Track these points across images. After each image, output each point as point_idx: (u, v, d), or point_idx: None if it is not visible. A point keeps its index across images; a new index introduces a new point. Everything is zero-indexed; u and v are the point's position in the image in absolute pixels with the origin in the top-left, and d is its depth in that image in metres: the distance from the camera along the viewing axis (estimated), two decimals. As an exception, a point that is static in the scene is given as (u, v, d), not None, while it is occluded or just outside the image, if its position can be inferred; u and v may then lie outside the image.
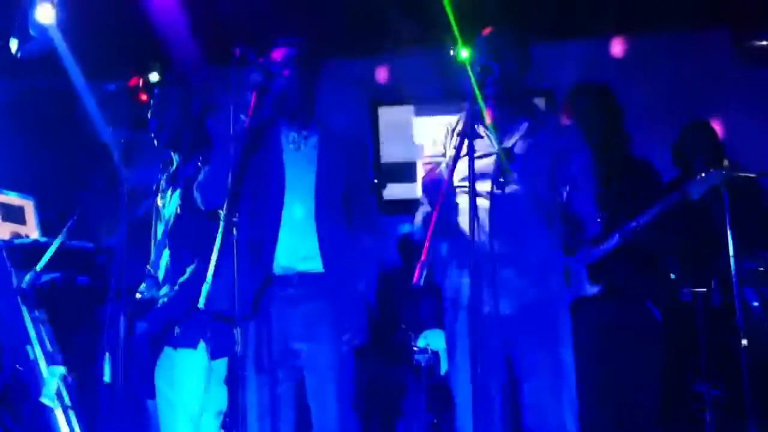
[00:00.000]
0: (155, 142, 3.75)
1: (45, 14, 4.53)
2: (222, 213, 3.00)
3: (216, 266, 2.90)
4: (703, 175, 3.69)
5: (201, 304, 2.83)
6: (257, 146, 3.35)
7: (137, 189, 3.97)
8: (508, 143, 3.16)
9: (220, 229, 2.96)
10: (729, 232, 3.76)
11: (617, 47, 5.93)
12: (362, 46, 5.97)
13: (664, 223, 3.74)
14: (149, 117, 3.74)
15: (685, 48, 5.84)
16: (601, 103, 3.94)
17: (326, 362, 3.28)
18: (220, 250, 2.92)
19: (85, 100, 4.75)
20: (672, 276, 4.41)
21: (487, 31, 3.29)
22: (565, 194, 3.21)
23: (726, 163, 4.02)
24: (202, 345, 3.53)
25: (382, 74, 6.32)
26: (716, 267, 4.25)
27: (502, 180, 3.09)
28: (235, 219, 2.99)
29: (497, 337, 3.09)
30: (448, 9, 3.28)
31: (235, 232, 2.98)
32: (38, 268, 3.40)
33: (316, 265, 3.30)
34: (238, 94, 3.22)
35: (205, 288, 2.83)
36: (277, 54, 3.38)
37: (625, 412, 3.84)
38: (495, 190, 3.11)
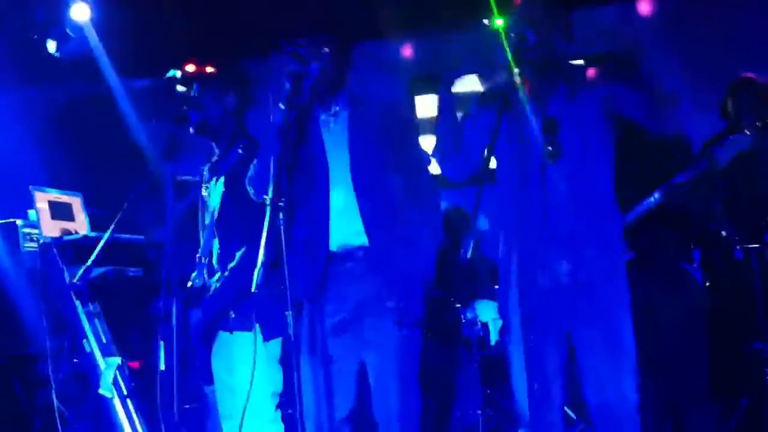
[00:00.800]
0: (195, 134, 3.78)
1: (80, 12, 4.58)
2: (268, 199, 3.00)
3: (266, 251, 2.91)
4: (730, 139, 3.59)
5: (254, 288, 2.85)
6: (301, 134, 3.36)
7: (181, 180, 4.02)
8: (550, 112, 3.11)
9: (267, 215, 2.97)
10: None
11: (650, 8, 5.81)
12: (395, 26, 5.93)
13: (703, 183, 3.68)
14: (188, 110, 3.77)
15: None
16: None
17: (387, 337, 3.27)
18: (269, 235, 2.92)
19: (119, 99, 4.79)
20: (723, 233, 4.34)
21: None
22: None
23: None
24: (257, 327, 3.54)
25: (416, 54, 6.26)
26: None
27: (549, 151, 3.03)
28: (281, 203, 2.99)
29: (553, 309, 3.06)
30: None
31: (281, 216, 3.00)
32: (89, 263, 3.45)
33: (365, 240, 3.31)
34: (275, 84, 3.23)
35: (257, 273, 2.85)
36: (310, 41, 3.36)
37: (673, 381, 3.81)
38: (542, 163, 3.07)
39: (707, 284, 4.26)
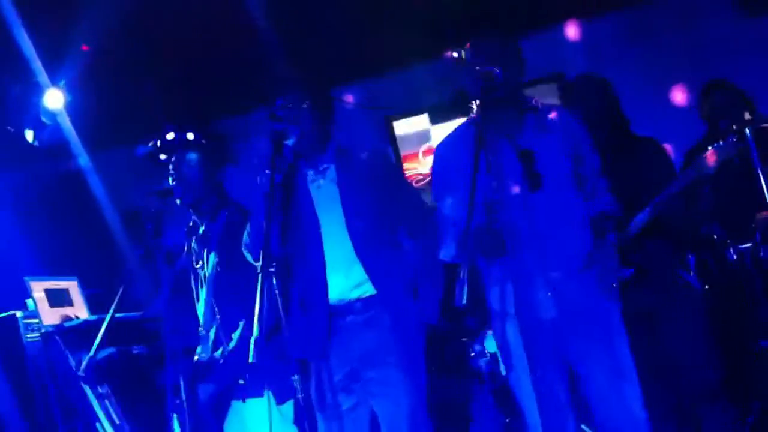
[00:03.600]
0: (180, 204, 3.83)
1: (54, 100, 4.64)
2: (258, 265, 3.05)
3: (262, 319, 2.95)
4: (716, 147, 3.66)
5: (251, 359, 2.89)
6: (288, 195, 3.42)
7: (172, 251, 4.07)
8: (524, 144, 3.18)
9: (259, 281, 3.01)
10: (764, 184, 3.73)
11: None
12: (366, 66, 6.02)
13: (691, 191, 3.74)
14: (171, 182, 3.82)
15: (687, 10, 5.82)
16: (596, 93, 3.96)
17: (396, 387, 3.32)
18: (262, 303, 2.96)
19: (91, 181, 4.86)
20: (714, 237, 4.40)
21: (479, 37, 3.30)
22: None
23: (747, 116, 4.01)
24: (268, 392, 3.64)
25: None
26: (759, 221, 4.23)
27: (530, 183, 3.09)
28: (271, 270, 3.03)
29: (551, 340, 3.12)
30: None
31: (274, 281, 3.04)
32: (93, 350, 3.51)
33: (367, 289, 3.37)
34: (257, 144, 3.28)
35: (252, 344, 2.89)
36: (288, 97, 3.44)
37: (685, 388, 3.85)
38: (523, 195, 3.12)
39: (705, 288, 4.29)
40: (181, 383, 3.63)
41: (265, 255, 3.04)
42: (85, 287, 5.01)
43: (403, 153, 6.39)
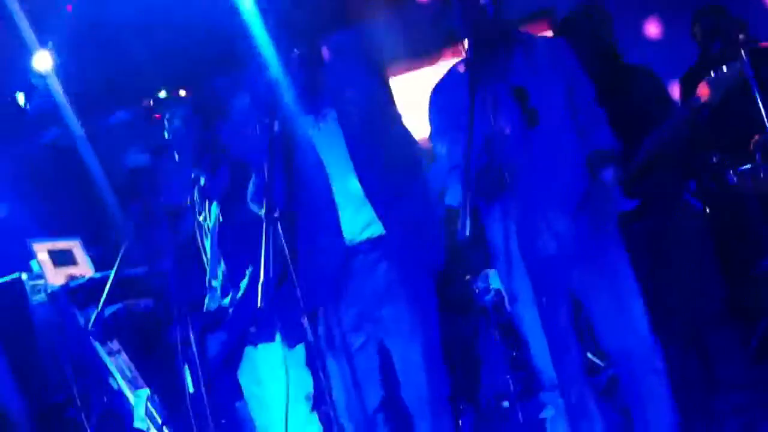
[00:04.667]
0: (178, 162, 3.84)
1: (43, 61, 4.60)
2: (263, 212, 3.06)
3: (269, 265, 2.96)
4: (717, 76, 3.64)
5: (259, 305, 2.91)
6: (289, 142, 3.41)
7: (174, 207, 4.08)
8: (517, 81, 3.16)
9: (264, 228, 3.03)
10: (761, 106, 3.73)
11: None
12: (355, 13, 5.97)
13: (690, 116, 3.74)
14: (167, 139, 3.82)
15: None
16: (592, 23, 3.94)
17: (408, 324, 3.35)
18: (269, 249, 2.98)
19: (84, 146, 4.84)
20: (714, 160, 4.41)
21: None
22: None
23: (742, 37, 3.99)
24: (278, 336, 3.68)
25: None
26: (757, 142, 4.24)
27: (526, 119, 3.09)
28: (275, 215, 3.05)
29: (554, 273, 3.15)
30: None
31: (280, 227, 3.05)
32: (99, 306, 3.54)
33: (376, 229, 3.37)
34: (251, 96, 3.27)
35: (260, 289, 2.91)
36: (278, 47, 3.41)
37: (691, 311, 3.90)
38: (520, 132, 3.12)
39: (707, 211, 4.32)
40: (191, 335, 3.65)
41: (268, 203, 3.06)
42: (87, 247, 5.02)
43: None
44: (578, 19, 4.03)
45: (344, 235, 3.36)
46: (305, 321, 3.08)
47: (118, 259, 3.58)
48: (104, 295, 3.54)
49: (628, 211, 3.80)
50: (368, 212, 3.36)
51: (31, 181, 5.26)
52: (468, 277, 5.20)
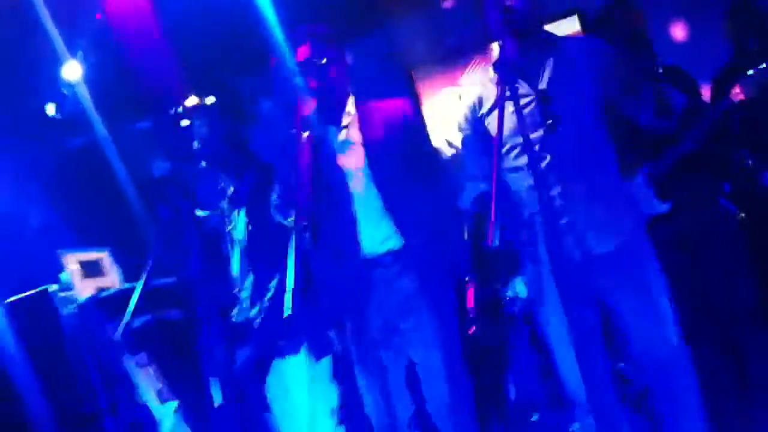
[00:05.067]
0: (205, 170, 3.82)
1: (72, 71, 4.62)
2: (291, 221, 3.03)
3: (296, 274, 2.94)
4: (753, 75, 3.56)
5: (286, 314, 2.88)
6: (315, 151, 3.35)
7: (203, 216, 4.08)
8: (542, 86, 3.12)
9: (292, 238, 3.00)
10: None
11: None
12: (381, 14, 5.92)
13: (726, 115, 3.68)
14: (194, 146, 3.80)
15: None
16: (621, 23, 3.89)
17: (430, 334, 3.33)
18: (296, 258, 2.95)
19: (111, 151, 4.85)
20: (749, 162, 4.32)
21: None
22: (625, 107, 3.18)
23: None
24: (304, 350, 3.66)
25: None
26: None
27: (548, 125, 3.01)
28: (305, 224, 3.02)
29: (581, 278, 3.09)
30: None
31: (308, 236, 3.03)
32: (126, 317, 3.53)
33: (395, 242, 3.36)
34: (276, 101, 3.25)
35: (288, 297, 2.88)
36: (306, 51, 3.40)
37: (724, 313, 3.82)
38: (543, 137, 3.08)
39: (741, 214, 4.24)
40: (217, 347, 3.63)
41: (297, 211, 3.04)
42: (116, 258, 5.02)
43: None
44: (612, 17, 3.97)
45: (364, 248, 3.34)
46: (332, 333, 3.06)
47: (146, 270, 3.56)
48: (131, 306, 3.51)
49: (661, 214, 3.78)
50: (388, 225, 3.35)
51: (59, 190, 5.27)
52: (498, 285, 5.15)
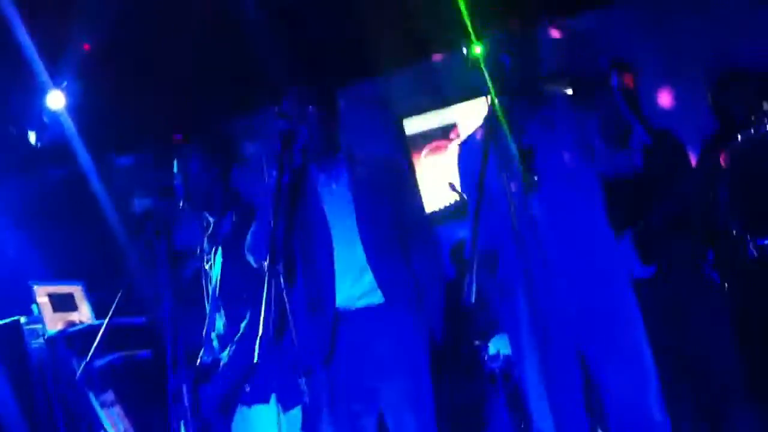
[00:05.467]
0: (186, 207, 3.77)
1: (55, 101, 4.59)
2: (265, 265, 2.98)
3: (267, 319, 2.88)
4: (740, 141, 3.56)
5: (255, 360, 2.81)
6: (296, 196, 3.36)
7: (181, 253, 4.01)
8: (528, 140, 3.08)
9: (266, 282, 2.95)
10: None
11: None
12: (374, 63, 5.92)
13: (712, 180, 3.65)
14: (176, 182, 3.76)
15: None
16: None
17: (404, 394, 3.29)
18: (267, 304, 2.89)
19: (94, 181, 4.80)
20: (734, 232, 4.28)
21: (494, 27, 3.20)
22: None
23: (766, 106, 3.91)
24: (273, 398, 3.56)
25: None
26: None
27: (526, 182, 3.01)
28: (278, 269, 2.97)
29: (565, 335, 3.03)
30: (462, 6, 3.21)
31: (282, 281, 2.99)
32: (90, 354, 3.44)
33: (374, 298, 3.32)
34: (266, 145, 3.22)
35: (257, 345, 2.82)
36: (294, 97, 3.38)
37: (708, 388, 3.76)
38: (521, 193, 3.04)
39: (725, 285, 4.19)
40: (184, 389, 3.54)
41: (271, 254, 2.98)
42: (91, 292, 4.93)
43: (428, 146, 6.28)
44: (604, 78, 3.95)
45: (342, 300, 3.30)
46: (303, 383, 2.99)
47: (113, 308, 3.48)
48: (95, 344, 3.42)
49: (644, 279, 3.72)
50: (369, 279, 3.31)
51: (37, 220, 5.20)
52: (477, 342, 5.10)
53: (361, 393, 3.29)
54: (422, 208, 3.56)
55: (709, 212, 3.94)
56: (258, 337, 2.87)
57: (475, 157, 3.14)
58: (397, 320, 3.30)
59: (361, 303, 3.31)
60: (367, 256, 3.30)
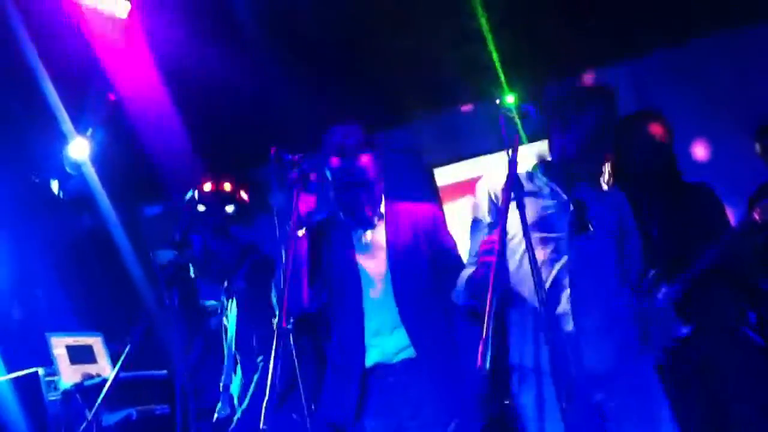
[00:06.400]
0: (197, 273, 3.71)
1: (79, 150, 4.56)
2: (275, 323, 2.88)
3: (274, 381, 2.74)
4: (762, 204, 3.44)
5: (261, 426, 2.67)
6: (318, 247, 3.28)
7: (207, 307, 4.06)
8: (576, 195, 3.00)
9: (274, 340, 2.84)
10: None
11: (667, 60, 5.60)
12: (407, 111, 5.85)
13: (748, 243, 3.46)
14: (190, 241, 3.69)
15: (741, 46, 5.49)
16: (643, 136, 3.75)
17: None
18: (275, 363, 2.76)
19: (118, 232, 4.74)
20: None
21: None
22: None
23: None
24: None
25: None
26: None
27: (580, 232, 2.91)
28: (288, 327, 2.84)
29: (586, 400, 2.89)
30: (494, 56, 3.12)
31: (291, 340, 2.85)
32: (96, 406, 3.33)
33: (409, 353, 3.22)
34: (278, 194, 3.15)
35: (263, 411, 2.68)
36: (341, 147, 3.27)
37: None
38: (572, 243, 2.93)
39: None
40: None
41: (281, 312, 2.87)
42: (113, 344, 4.84)
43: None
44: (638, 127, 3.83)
45: (377, 356, 3.20)
46: None
47: (121, 360, 3.38)
48: (100, 397, 3.31)
49: (682, 338, 3.54)
50: (402, 336, 3.20)
51: (62, 270, 5.15)
52: (507, 401, 4.91)
53: None
54: (459, 257, 3.41)
55: (750, 270, 3.74)
56: (264, 402, 2.74)
57: (492, 201, 3.07)
58: (432, 371, 3.17)
59: (398, 358, 3.20)
60: (400, 312, 3.20)
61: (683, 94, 5.19)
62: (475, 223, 3.15)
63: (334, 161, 3.25)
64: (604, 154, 3.09)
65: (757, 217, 3.46)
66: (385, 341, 3.22)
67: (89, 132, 4.50)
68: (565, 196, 3.00)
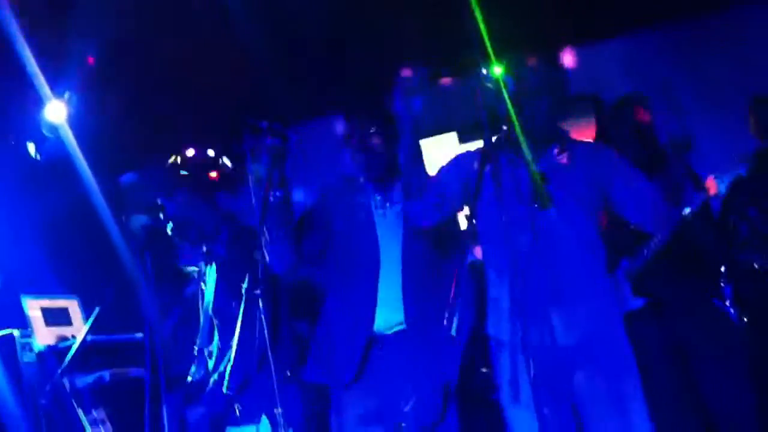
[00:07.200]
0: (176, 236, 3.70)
1: (56, 112, 4.50)
2: (243, 287, 2.87)
3: (240, 342, 2.76)
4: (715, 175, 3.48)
5: (225, 390, 2.68)
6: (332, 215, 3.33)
7: (185, 272, 4.03)
8: (541, 169, 2.96)
9: (242, 305, 2.84)
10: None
11: (662, 38, 5.57)
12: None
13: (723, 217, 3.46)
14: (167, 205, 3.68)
15: (739, 26, 5.45)
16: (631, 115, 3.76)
17: (427, 415, 3.22)
18: (243, 329, 2.77)
19: (96, 197, 4.70)
20: (755, 266, 4.06)
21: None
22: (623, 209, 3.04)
23: None
24: (264, 419, 3.49)
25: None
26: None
27: (538, 205, 2.88)
28: (257, 292, 2.89)
29: (557, 372, 2.87)
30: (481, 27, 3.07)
31: (261, 305, 2.91)
32: (63, 366, 3.32)
33: (402, 328, 3.27)
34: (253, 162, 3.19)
35: (227, 374, 2.68)
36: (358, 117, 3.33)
37: (721, 430, 3.53)
38: (531, 214, 2.91)
39: (744, 321, 3.97)
40: (171, 410, 3.44)
41: (251, 279, 2.88)
42: (89, 307, 4.81)
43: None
44: (622, 112, 3.91)
45: (379, 325, 3.24)
46: (278, 412, 2.87)
47: (90, 322, 3.36)
48: (66, 359, 3.29)
49: (637, 311, 3.60)
50: (400, 315, 3.24)
51: (42, 234, 5.11)
52: (485, 369, 4.93)
53: (382, 416, 3.22)
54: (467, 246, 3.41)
55: (725, 245, 3.73)
56: (229, 363, 2.75)
57: (462, 173, 3.07)
58: (422, 343, 3.21)
59: (391, 331, 3.25)
60: (403, 287, 3.23)
61: (674, 71, 5.20)
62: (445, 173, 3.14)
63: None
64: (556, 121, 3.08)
65: (708, 190, 3.46)
66: (387, 314, 3.25)
67: (66, 95, 4.45)
68: (529, 169, 2.94)
